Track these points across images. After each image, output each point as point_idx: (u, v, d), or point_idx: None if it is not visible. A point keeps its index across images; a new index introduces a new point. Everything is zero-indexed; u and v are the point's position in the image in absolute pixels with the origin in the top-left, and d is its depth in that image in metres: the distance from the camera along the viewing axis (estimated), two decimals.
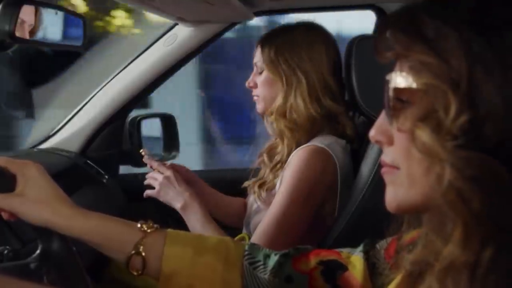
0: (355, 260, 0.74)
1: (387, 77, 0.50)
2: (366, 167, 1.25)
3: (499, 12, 0.46)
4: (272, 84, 1.32)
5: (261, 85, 1.34)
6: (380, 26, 0.51)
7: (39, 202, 0.73)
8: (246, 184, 1.41)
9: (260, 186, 1.34)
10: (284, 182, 1.25)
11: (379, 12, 1.67)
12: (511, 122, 0.43)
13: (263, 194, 1.33)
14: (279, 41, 1.32)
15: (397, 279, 0.58)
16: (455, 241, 0.44)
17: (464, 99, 0.44)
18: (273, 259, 0.76)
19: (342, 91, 1.35)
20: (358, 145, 1.36)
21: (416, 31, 0.47)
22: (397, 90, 0.49)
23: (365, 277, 0.73)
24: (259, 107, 1.37)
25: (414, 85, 0.47)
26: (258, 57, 1.35)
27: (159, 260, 0.73)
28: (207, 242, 0.77)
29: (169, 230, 0.77)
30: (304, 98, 1.28)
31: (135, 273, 0.74)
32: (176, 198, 1.29)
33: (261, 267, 0.75)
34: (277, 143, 1.36)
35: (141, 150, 1.41)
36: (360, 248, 0.76)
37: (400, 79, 0.49)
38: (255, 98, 1.37)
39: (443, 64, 0.45)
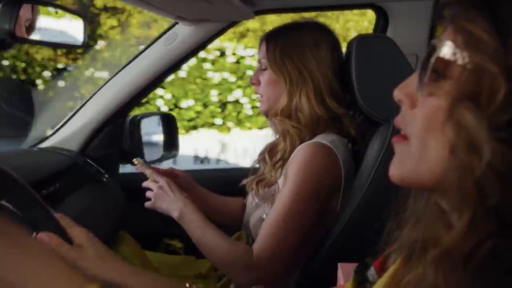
0: None
1: (433, 42, 0.46)
2: (366, 166, 1.24)
3: None
4: (277, 84, 1.31)
5: (265, 84, 1.33)
6: None
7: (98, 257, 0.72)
8: (244, 182, 1.41)
9: (258, 183, 1.34)
10: (290, 179, 1.23)
11: (379, 11, 1.68)
12: None
13: (261, 190, 1.32)
14: (285, 40, 1.31)
15: (395, 264, 0.56)
16: (457, 228, 0.42)
17: None
18: None
19: (345, 92, 1.35)
20: (359, 145, 1.36)
21: (489, 7, 0.43)
22: (440, 60, 0.45)
23: None
24: (263, 107, 1.36)
25: (462, 62, 0.44)
26: (262, 54, 1.34)
27: None
28: None
29: None
30: (309, 98, 1.28)
31: None
32: (172, 207, 1.26)
33: None
34: (278, 142, 1.35)
35: (134, 160, 1.39)
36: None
37: (449, 51, 0.45)
38: (258, 98, 1.37)
39: (502, 48, 0.42)
